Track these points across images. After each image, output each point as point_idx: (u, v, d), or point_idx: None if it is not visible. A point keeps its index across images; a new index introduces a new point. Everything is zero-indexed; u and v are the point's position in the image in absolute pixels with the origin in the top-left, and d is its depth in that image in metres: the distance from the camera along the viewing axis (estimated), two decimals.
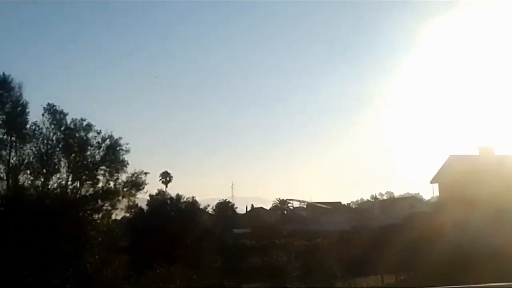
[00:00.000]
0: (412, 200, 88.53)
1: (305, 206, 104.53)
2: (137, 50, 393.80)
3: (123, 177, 31.27)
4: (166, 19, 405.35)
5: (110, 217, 32.28)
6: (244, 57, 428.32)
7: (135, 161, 32.38)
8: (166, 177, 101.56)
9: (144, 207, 41.05)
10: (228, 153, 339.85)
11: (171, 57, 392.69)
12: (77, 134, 30.24)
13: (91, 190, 30.40)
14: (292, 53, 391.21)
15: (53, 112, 29.60)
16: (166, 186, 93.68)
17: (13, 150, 28.80)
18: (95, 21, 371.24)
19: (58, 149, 29.82)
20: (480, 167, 45.71)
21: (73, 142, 30.12)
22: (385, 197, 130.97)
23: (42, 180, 29.44)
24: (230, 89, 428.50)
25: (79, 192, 30.12)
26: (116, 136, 30.97)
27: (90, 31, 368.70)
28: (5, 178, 28.66)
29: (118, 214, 35.93)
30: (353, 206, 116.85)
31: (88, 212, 30.70)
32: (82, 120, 30.40)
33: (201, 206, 47.81)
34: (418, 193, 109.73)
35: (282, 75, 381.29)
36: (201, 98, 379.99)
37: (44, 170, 29.33)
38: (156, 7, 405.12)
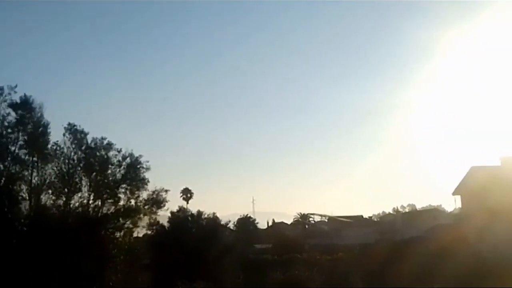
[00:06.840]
0: (435, 212, 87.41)
1: (326, 220, 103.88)
2: (156, 68, 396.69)
3: (144, 194, 31.44)
4: (188, 37, 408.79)
5: (132, 235, 32.47)
6: (264, 71, 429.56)
7: (156, 179, 32.48)
8: (186, 194, 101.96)
9: (165, 224, 41.06)
10: (249, 168, 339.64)
11: (192, 74, 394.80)
12: (97, 153, 30.49)
13: (112, 209, 30.57)
14: (310, 66, 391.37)
15: (73, 131, 29.91)
16: (187, 203, 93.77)
17: (35, 170, 29.14)
18: (114, 41, 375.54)
19: (79, 168, 30.11)
20: (503, 177, 45.07)
21: (94, 161, 30.36)
22: (407, 210, 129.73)
23: (64, 199, 29.71)
24: (251, 104, 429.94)
25: (100, 210, 30.30)
26: (136, 154, 31.19)
27: (109, 51, 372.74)
28: (27, 198, 28.96)
29: (140, 232, 36.09)
30: (375, 219, 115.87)
31: (110, 230, 30.86)
32: (103, 139, 30.72)
33: (222, 222, 47.78)
34: (440, 205, 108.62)
35: (301, 90, 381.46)
36: (221, 113, 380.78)
37: (66, 190, 29.59)
38: (177, 25, 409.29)
